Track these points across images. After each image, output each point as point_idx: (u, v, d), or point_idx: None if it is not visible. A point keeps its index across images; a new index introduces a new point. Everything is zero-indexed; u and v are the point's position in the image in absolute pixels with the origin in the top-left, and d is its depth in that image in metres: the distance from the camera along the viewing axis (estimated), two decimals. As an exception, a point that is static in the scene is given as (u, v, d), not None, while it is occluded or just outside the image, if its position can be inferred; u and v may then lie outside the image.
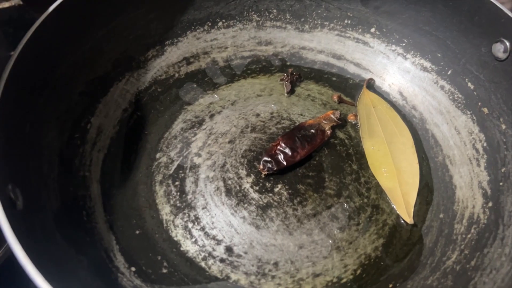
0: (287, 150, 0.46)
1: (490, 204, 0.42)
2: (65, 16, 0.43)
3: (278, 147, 0.46)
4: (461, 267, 0.40)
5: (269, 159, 0.46)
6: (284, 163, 0.46)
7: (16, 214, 0.33)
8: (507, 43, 0.44)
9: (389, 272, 0.41)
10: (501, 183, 0.43)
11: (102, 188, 0.44)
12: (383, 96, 0.53)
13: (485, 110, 0.46)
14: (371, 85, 0.54)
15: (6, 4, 0.68)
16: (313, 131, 0.48)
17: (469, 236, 0.42)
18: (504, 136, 0.44)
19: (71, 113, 0.45)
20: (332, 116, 0.49)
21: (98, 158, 0.46)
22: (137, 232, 0.42)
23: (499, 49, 0.45)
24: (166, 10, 0.52)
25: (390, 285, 0.40)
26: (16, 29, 0.68)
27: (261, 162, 0.46)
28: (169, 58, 0.53)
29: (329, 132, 0.48)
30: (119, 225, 0.42)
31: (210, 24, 0.54)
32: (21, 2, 0.72)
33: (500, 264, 0.37)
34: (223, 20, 0.55)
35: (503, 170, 0.43)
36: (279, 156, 0.46)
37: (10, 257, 0.41)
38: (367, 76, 0.54)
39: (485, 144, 0.46)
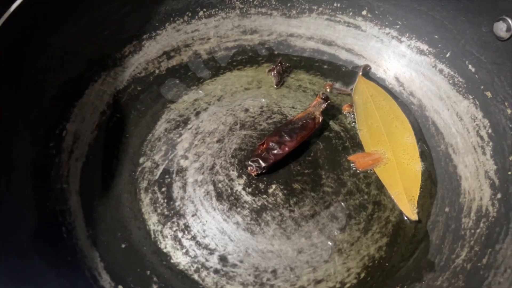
0: (274, 145, 0.43)
1: (499, 195, 0.40)
2: (30, 14, 0.40)
3: (265, 146, 0.43)
4: (472, 265, 0.37)
5: (256, 159, 0.43)
6: (272, 157, 0.43)
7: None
8: (510, 21, 0.41)
9: (395, 274, 0.39)
10: (509, 172, 0.40)
11: (83, 200, 0.41)
12: (378, 82, 0.50)
13: (488, 94, 0.43)
14: (366, 72, 0.50)
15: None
16: (301, 123, 0.45)
17: (478, 231, 0.39)
18: (510, 121, 0.41)
19: (43, 121, 0.41)
20: (320, 99, 0.46)
21: (76, 168, 0.42)
22: (123, 245, 0.40)
23: (501, 28, 0.42)
24: (142, 2, 0.49)
25: (397, 288, 0.38)
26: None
27: (249, 165, 0.43)
28: (147, 54, 0.50)
29: (320, 118, 0.45)
30: (103, 239, 0.39)
31: (190, 15, 0.51)
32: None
33: (514, 262, 0.35)
34: (204, 9, 0.51)
35: (511, 158, 0.40)
36: (266, 153, 0.43)
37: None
38: (360, 62, 0.51)
39: (490, 131, 0.43)
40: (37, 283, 0.32)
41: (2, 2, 0.54)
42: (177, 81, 0.49)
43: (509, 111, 0.41)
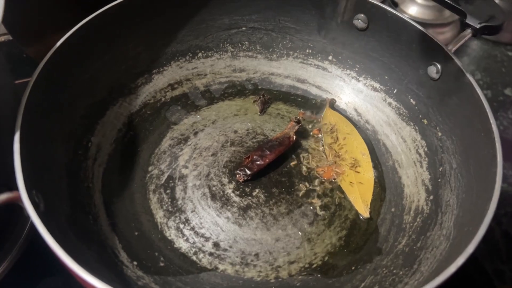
0: (258, 158, 0.54)
1: (431, 197, 0.51)
2: (66, 52, 0.50)
3: (250, 159, 0.54)
4: (409, 248, 0.48)
5: (243, 168, 0.54)
6: (256, 167, 0.53)
7: (40, 214, 0.39)
8: (439, 66, 0.53)
9: (352, 257, 0.49)
10: (439, 180, 0.52)
11: (104, 197, 0.51)
12: (341, 112, 0.62)
13: (425, 121, 0.56)
14: (331, 104, 0.63)
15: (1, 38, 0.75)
16: (279, 141, 0.56)
17: (415, 224, 0.50)
18: (440, 141, 0.53)
19: (74, 133, 0.52)
20: (294, 123, 0.57)
21: (99, 172, 0.52)
22: (136, 233, 0.49)
23: (433, 71, 0.54)
24: (153, 44, 0.60)
25: (353, 268, 0.48)
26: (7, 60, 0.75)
27: (237, 173, 0.54)
28: (156, 85, 0.61)
29: (294, 137, 0.56)
30: (120, 227, 0.49)
31: (191, 55, 0.63)
32: (10, 38, 0.79)
33: (439, 243, 0.46)
34: (202, 51, 0.63)
35: (440, 169, 0.52)
36: (251, 164, 0.54)
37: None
38: (327, 96, 0.63)
39: (426, 149, 0.55)
40: (72, 252, 0.41)
41: (29, 40, 0.66)
42: (179, 108, 0.61)
43: (439, 134, 0.53)
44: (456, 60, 0.51)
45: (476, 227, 0.40)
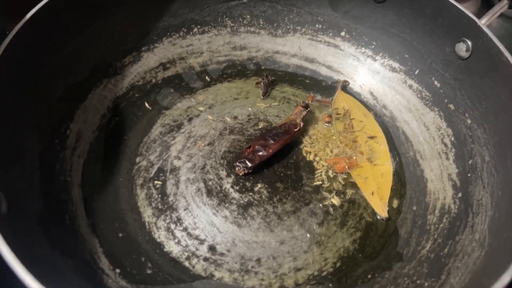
0: (260, 148, 0.47)
1: (459, 194, 0.45)
2: (41, 24, 0.44)
3: (251, 149, 0.48)
4: (435, 255, 0.42)
5: (243, 160, 0.47)
6: (258, 158, 0.47)
7: (0, 218, 0.33)
8: (469, 43, 0.46)
9: (368, 263, 0.43)
10: (469, 174, 0.45)
11: (83, 192, 0.45)
12: (355, 96, 0.55)
13: (452, 106, 0.49)
14: (344, 87, 0.56)
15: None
16: (284, 128, 0.49)
17: (441, 225, 0.44)
18: (470, 130, 0.46)
19: (50, 119, 0.45)
20: (301, 108, 0.51)
21: (78, 163, 0.46)
22: (120, 234, 0.43)
23: (461, 48, 0.47)
24: (142, 17, 0.53)
25: (369, 276, 0.42)
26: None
27: (236, 165, 0.47)
28: (145, 64, 0.54)
29: (301, 124, 0.50)
30: (102, 228, 0.43)
31: (185, 30, 0.56)
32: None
33: (471, 249, 0.39)
34: (198, 26, 0.56)
35: (470, 162, 0.45)
36: (252, 155, 0.47)
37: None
38: (338, 78, 0.56)
39: (452, 139, 0.48)
40: (43, 259, 0.35)
41: (11, 15, 0.59)
42: (172, 90, 0.54)
43: (469, 121, 0.47)
44: (490, 35, 0.45)
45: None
